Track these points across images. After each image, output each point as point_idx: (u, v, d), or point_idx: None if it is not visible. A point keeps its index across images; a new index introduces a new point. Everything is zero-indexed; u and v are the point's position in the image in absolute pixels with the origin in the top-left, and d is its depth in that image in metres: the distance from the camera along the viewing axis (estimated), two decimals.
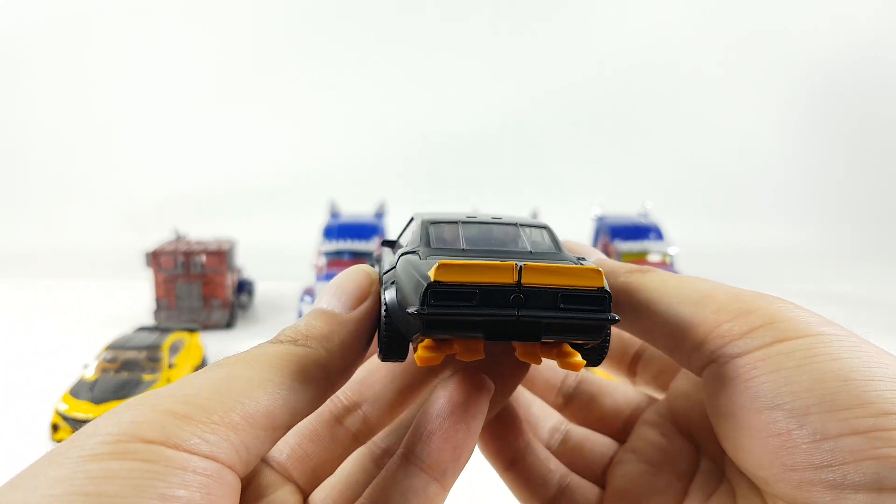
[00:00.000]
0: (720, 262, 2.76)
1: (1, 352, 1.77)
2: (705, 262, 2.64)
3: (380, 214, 2.27)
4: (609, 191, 2.96)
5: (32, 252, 2.89)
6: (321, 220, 2.20)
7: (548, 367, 0.56)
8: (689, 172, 3.34)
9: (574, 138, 3.37)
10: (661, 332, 0.42)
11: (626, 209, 2.32)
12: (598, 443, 0.54)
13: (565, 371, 0.56)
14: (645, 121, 3.40)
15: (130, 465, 0.28)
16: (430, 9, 3.33)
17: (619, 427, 0.55)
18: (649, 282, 0.45)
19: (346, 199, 2.34)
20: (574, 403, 0.56)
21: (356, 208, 2.30)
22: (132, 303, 2.16)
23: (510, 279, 0.36)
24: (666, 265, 2.01)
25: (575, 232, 2.68)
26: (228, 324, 1.96)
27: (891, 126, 3.41)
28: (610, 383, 0.57)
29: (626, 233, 2.10)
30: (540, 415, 0.56)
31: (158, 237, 2.12)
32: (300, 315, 1.90)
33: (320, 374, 0.38)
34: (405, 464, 0.40)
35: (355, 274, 0.44)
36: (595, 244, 2.29)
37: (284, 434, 0.36)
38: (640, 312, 0.44)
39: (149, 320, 1.95)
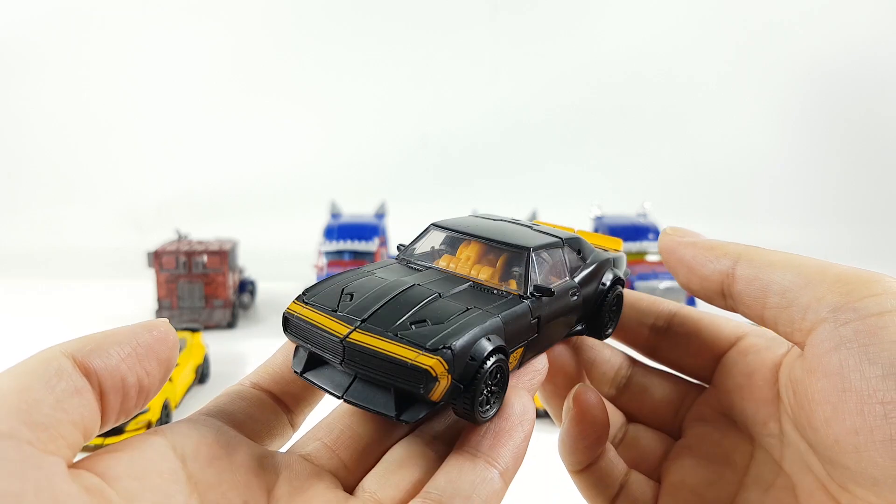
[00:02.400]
0: None
1: (4, 351, 1.79)
2: None
3: (380, 215, 2.28)
4: (608, 191, 2.97)
5: (35, 252, 2.91)
6: (322, 220, 2.21)
7: (603, 361, 0.59)
8: (687, 173, 3.35)
9: (573, 139, 3.38)
10: (773, 294, 0.44)
11: (624, 210, 2.33)
12: (651, 438, 0.56)
13: (619, 362, 0.59)
14: (644, 122, 3.41)
15: None
16: (430, 12, 3.34)
17: (670, 418, 0.56)
18: (765, 251, 0.48)
19: (346, 199, 2.36)
20: (626, 395, 0.58)
21: (357, 209, 2.31)
22: (134, 302, 2.17)
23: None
24: (663, 264, 2.03)
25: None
26: (230, 323, 1.97)
27: (890, 126, 3.42)
28: (660, 374, 0.59)
29: (624, 233, 2.11)
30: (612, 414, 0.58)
31: (160, 237, 2.13)
32: None
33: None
34: (471, 457, 0.43)
35: None
36: None
37: None
38: (755, 275, 0.46)
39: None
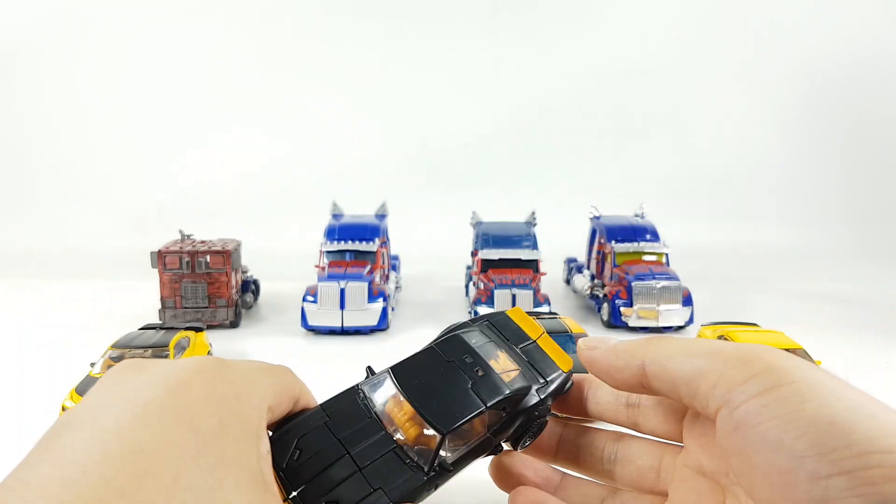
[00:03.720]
0: (719, 263, 2.79)
1: (7, 350, 1.81)
2: (704, 263, 2.67)
3: (381, 215, 2.30)
4: (605, 192, 2.99)
5: (38, 252, 2.93)
6: (324, 220, 2.23)
7: (589, 444, 0.68)
8: (686, 173, 3.36)
9: (571, 140, 3.40)
10: (680, 385, 0.50)
11: (622, 210, 2.35)
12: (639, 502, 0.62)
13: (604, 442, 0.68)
14: (641, 122, 3.43)
15: None
16: (430, 12, 3.37)
17: (653, 481, 0.61)
18: (666, 345, 0.53)
19: (347, 200, 2.38)
20: (617, 468, 0.65)
21: (358, 209, 2.34)
22: (138, 302, 2.20)
23: None
24: (660, 264, 2.05)
25: (572, 233, 2.72)
26: (233, 323, 2.00)
27: (890, 126, 3.43)
28: (641, 441, 0.65)
29: (622, 234, 2.13)
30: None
31: (164, 238, 2.16)
32: (303, 314, 1.94)
33: None
34: None
35: None
36: (591, 245, 2.32)
37: None
38: (661, 370, 0.52)
39: (154, 319, 1.98)
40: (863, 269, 2.75)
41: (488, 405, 0.60)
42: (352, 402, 0.63)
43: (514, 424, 0.63)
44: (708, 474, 0.55)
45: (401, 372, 0.64)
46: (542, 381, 0.64)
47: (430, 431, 0.58)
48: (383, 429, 0.60)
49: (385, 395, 0.64)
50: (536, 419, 0.64)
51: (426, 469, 0.56)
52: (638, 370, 0.54)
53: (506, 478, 0.65)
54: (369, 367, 0.68)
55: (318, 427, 0.61)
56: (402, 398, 0.61)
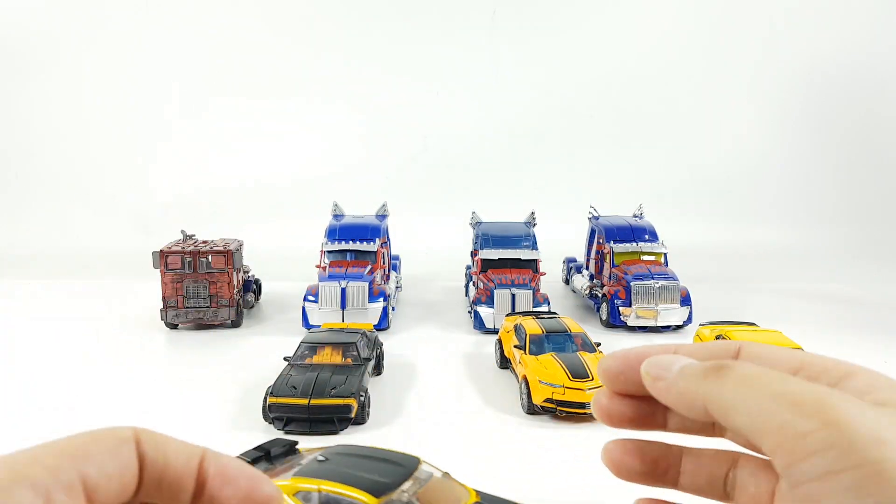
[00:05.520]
0: (718, 263, 2.80)
1: (9, 350, 1.83)
2: (702, 263, 2.68)
3: (382, 216, 2.32)
4: (604, 192, 3.00)
5: (41, 253, 2.95)
6: (325, 221, 2.25)
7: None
8: (684, 174, 3.37)
9: (570, 141, 3.41)
10: (743, 442, 0.42)
11: (621, 211, 2.36)
12: None
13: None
14: (640, 123, 3.43)
15: None
16: (431, 14, 3.38)
17: (721, 490, 0.53)
18: (727, 389, 0.42)
19: (348, 200, 2.39)
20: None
21: (359, 210, 2.35)
22: (140, 301, 2.20)
23: None
24: (659, 264, 2.06)
25: (571, 233, 2.72)
26: (234, 322, 2.01)
27: (888, 126, 3.44)
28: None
29: (620, 234, 2.14)
30: None
31: (166, 238, 2.17)
32: (304, 313, 1.95)
33: None
34: None
35: None
36: (590, 245, 2.33)
37: None
38: (723, 421, 0.42)
39: (156, 319, 1.99)
40: (862, 269, 2.75)
41: None
42: None
43: None
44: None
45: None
46: None
47: None
48: None
49: None
50: None
51: None
52: (703, 414, 0.42)
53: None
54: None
55: None
56: None
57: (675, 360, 0.45)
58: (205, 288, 1.98)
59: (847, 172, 3.40)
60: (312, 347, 1.53)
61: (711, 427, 0.45)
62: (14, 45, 3.33)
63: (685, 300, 1.94)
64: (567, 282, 2.50)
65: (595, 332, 1.83)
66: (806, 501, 0.35)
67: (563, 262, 2.55)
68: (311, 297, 1.96)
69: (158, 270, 1.99)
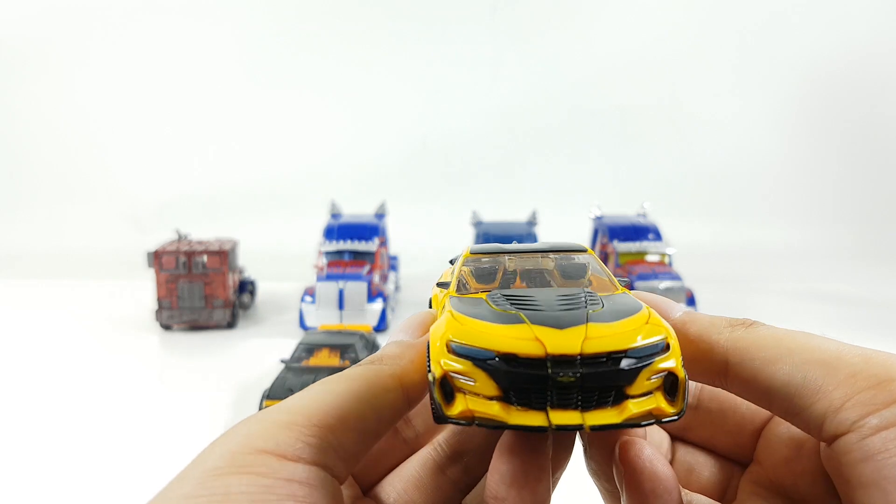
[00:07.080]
0: (719, 263, 2.78)
1: (3, 351, 1.79)
2: (704, 263, 2.65)
3: (380, 215, 2.28)
4: (608, 191, 2.98)
5: (35, 252, 2.91)
6: (322, 220, 2.21)
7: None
8: (687, 173, 3.35)
9: (573, 139, 3.38)
10: (780, 395, 0.41)
11: (624, 210, 2.33)
12: None
13: (659, 439, 0.55)
14: (643, 122, 3.41)
15: (246, 480, 0.32)
16: (430, 12, 3.35)
17: (720, 497, 0.52)
18: (761, 339, 0.43)
19: (346, 200, 2.36)
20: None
21: (357, 209, 2.32)
22: (134, 302, 2.17)
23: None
24: (663, 265, 2.03)
25: (574, 233, 2.69)
26: (230, 323, 1.97)
27: (889, 126, 3.42)
28: (703, 450, 0.54)
29: (624, 233, 2.11)
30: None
31: (160, 237, 2.13)
32: (301, 314, 1.92)
33: (397, 385, 0.43)
34: None
35: (421, 313, 0.50)
36: (594, 245, 2.30)
37: (376, 441, 0.40)
38: (753, 373, 0.42)
39: (150, 320, 1.96)
40: (862, 269, 2.74)
41: None
42: None
43: None
44: (791, 495, 0.48)
45: None
46: None
47: None
48: None
49: None
50: None
51: None
52: (719, 366, 0.44)
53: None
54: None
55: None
56: None
57: (703, 315, 0.48)
58: (199, 289, 1.95)
59: (850, 172, 3.39)
60: (309, 349, 1.50)
61: (714, 377, 0.44)
62: (4, 42, 3.29)
63: (690, 301, 1.91)
64: None
65: None
66: (884, 445, 0.36)
67: None
68: (308, 298, 1.93)
69: (153, 271, 1.96)
